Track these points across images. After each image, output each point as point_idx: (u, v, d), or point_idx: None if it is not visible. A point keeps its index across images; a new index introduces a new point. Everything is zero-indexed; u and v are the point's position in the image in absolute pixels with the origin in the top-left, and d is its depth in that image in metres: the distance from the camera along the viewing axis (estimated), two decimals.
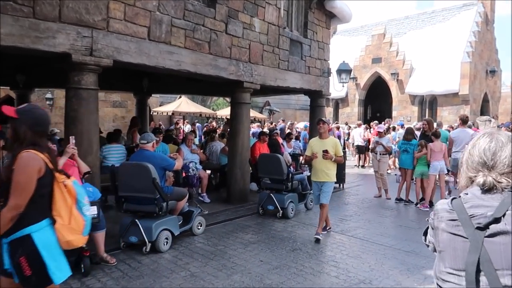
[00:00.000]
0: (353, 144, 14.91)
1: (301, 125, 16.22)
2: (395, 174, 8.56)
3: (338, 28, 32.35)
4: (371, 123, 15.58)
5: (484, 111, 23.63)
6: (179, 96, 18.03)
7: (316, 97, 10.18)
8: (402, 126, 13.50)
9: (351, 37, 30.02)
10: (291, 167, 7.56)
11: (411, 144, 7.94)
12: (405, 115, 24.67)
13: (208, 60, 6.70)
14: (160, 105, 19.16)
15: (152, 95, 18.04)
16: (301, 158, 8.11)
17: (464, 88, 21.78)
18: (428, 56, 23.93)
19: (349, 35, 30.55)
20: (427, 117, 23.90)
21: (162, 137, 7.62)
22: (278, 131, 10.49)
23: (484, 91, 23.71)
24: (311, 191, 7.47)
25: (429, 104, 24.13)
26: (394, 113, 25.52)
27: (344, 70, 10.25)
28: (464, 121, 9.39)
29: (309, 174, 8.53)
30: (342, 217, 6.90)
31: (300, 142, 11.78)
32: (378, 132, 8.80)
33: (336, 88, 10.48)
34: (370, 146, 10.46)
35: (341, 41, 29.15)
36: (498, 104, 26.08)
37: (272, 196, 6.76)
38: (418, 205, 7.81)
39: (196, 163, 7.76)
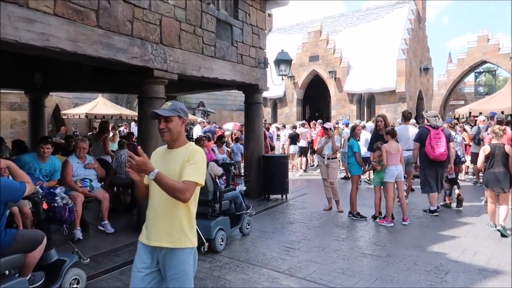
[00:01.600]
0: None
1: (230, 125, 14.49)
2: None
3: (274, 26, 31.33)
4: (314, 122, 14.28)
5: (419, 108, 23.66)
6: (100, 95, 15.45)
7: (252, 92, 8.54)
8: (347, 125, 12.40)
9: (287, 35, 29.05)
10: (222, 180, 5.82)
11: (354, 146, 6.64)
12: (344, 114, 24.03)
13: (96, 37, 4.73)
14: (74, 107, 16.46)
15: (54, 94, 15.43)
16: (233, 168, 6.37)
17: (401, 85, 21.52)
18: (364, 54, 23.49)
19: (285, 33, 29.58)
20: (365, 115, 23.51)
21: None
22: (206, 136, 8.68)
23: (418, 88, 23.77)
24: (248, 211, 5.80)
25: (367, 102, 23.72)
26: (332, 112, 24.85)
27: (283, 61, 8.71)
28: (406, 117, 8.42)
29: (244, 188, 6.88)
30: (289, 245, 5.26)
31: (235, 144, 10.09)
32: (325, 129, 7.34)
33: (274, 82, 8.91)
34: (315, 147, 9.03)
35: (277, 39, 27.99)
36: (431, 102, 26.43)
37: None
38: (377, 220, 6.44)
39: (91, 181, 5.73)
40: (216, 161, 7.27)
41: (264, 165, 8.43)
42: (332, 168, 7.24)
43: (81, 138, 7.27)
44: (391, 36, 22.95)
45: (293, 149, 12.78)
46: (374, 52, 23.01)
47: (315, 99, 27.54)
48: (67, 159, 5.61)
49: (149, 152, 5.61)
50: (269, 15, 28.86)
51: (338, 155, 9.04)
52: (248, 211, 5.84)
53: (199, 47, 6.55)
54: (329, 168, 7.24)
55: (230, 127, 13.90)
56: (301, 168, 13.07)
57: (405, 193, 7.24)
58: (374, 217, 6.53)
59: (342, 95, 24.05)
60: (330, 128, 7.37)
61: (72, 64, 9.14)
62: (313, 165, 13.89)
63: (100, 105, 14.71)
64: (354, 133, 7.10)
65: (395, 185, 6.45)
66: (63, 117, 14.82)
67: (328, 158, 7.22)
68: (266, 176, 8.36)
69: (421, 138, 6.80)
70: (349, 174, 11.36)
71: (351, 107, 23.91)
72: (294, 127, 13.53)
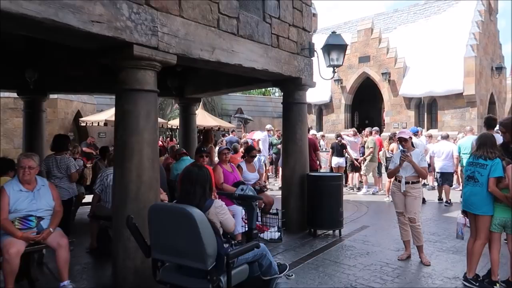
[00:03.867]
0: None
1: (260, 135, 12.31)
2: (460, 217, 4.47)
3: (319, 26, 28.97)
4: (369, 130, 11.67)
5: (490, 114, 20.23)
6: None
7: (293, 89, 6.32)
8: (416, 133, 9.83)
9: None
10: (242, 223, 3.61)
11: (487, 164, 4.00)
12: (399, 121, 21.13)
13: None
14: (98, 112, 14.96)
15: (76, 99, 13.97)
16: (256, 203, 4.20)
17: (470, 87, 18.35)
18: (423, 53, 20.52)
19: None
20: (425, 123, 20.45)
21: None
22: (227, 147, 6.37)
23: (490, 91, 20.37)
24: (283, 274, 3.54)
25: (427, 107, 20.64)
26: (386, 119, 21.97)
27: (335, 47, 6.39)
28: (489, 124, 6.01)
29: (277, 236, 4.68)
30: None
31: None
32: (401, 141, 4.92)
33: (323, 76, 6.60)
34: (386, 165, 6.65)
35: (322, 40, 25.50)
36: (504, 107, 22.82)
37: None
38: None
39: (39, 219, 3.73)
40: (240, 183, 5.14)
41: (310, 188, 6.14)
42: (412, 198, 4.80)
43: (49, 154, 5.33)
44: (456, 31, 19.84)
45: (335, 161, 10.40)
46: (435, 50, 19.99)
47: (365, 104, 24.77)
48: (2, 186, 3.64)
49: (130, 170, 3.53)
50: (314, 14, 26.58)
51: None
52: (284, 274, 3.56)
53: (212, 17, 4.43)
54: (408, 198, 4.81)
55: (261, 137, 11.67)
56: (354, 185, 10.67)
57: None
58: (492, 283, 4.01)
59: (398, 100, 21.15)
60: (409, 138, 4.95)
61: (72, 60, 7.46)
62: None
63: None
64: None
65: None
66: (81, 124, 13.31)
67: (407, 183, 4.79)
68: (313, 204, 6.06)
69: None
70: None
71: (408, 113, 20.93)
72: (339, 135, 11.13)
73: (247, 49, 4.97)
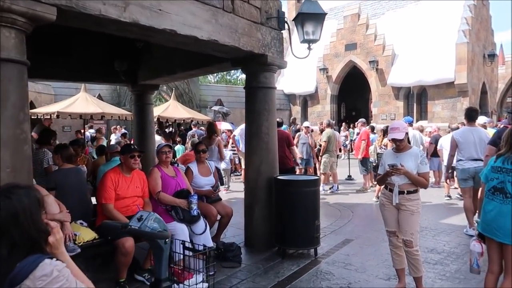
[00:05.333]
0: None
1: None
2: (475, 244, 3.17)
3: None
4: (325, 122, 10.15)
5: (482, 104, 19.23)
6: (83, 88, 12.21)
7: (256, 69, 4.99)
8: (410, 123, 8.57)
9: None
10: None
11: None
12: (388, 112, 20.03)
13: None
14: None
15: (32, 89, 12.37)
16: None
17: (461, 76, 17.25)
18: (413, 40, 19.36)
19: None
20: (415, 113, 19.32)
21: None
22: (167, 144, 4.81)
23: (482, 80, 19.31)
24: None
25: (417, 97, 19.55)
26: (374, 111, 20.84)
27: (311, 16, 5.03)
28: (470, 116, 5.87)
29: (205, 286, 3.36)
30: None
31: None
32: (394, 141, 3.60)
33: (295, 54, 5.26)
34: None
35: None
36: (495, 97, 21.86)
37: None
38: None
39: None
40: (183, 192, 3.87)
41: (279, 195, 4.84)
42: (408, 214, 3.51)
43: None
44: (447, 16, 18.70)
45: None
46: (425, 37, 18.84)
47: (352, 95, 23.64)
48: None
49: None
50: (298, 0, 25.16)
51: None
52: None
53: None
54: (403, 213, 3.53)
55: (238, 132, 10.25)
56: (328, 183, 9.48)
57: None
58: None
59: (386, 90, 20.00)
60: (405, 135, 3.65)
61: None
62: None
63: (81, 101, 11.55)
64: None
65: None
66: (32, 117, 11.76)
67: (402, 192, 3.52)
68: (282, 215, 4.77)
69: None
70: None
71: (396, 103, 19.81)
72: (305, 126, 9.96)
73: (184, 10, 3.61)
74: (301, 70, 22.92)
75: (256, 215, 5.01)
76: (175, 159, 7.35)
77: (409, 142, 3.74)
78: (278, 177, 4.94)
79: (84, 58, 6.74)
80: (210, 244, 4.24)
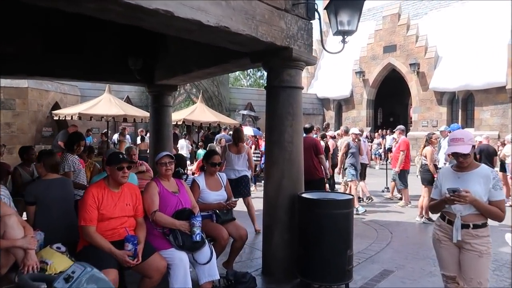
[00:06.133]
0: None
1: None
2: None
3: None
4: (343, 128, 9.07)
5: None
6: (107, 89, 11.84)
7: (279, 65, 4.18)
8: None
9: None
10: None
11: None
12: (429, 119, 18.66)
13: None
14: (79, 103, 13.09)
15: (53, 89, 12.12)
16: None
17: None
18: (458, 41, 17.94)
19: None
20: (460, 121, 17.82)
21: None
22: (168, 154, 3.96)
23: None
24: None
25: (462, 103, 18.05)
26: (414, 117, 19.52)
27: (346, 3, 4.20)
28: None
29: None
30: None
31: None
32: (457, 155, 2.66)
33: (328, 48, 4.42)
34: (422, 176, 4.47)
35: None
36: None
37: None
38: None
39: None
40: (186, 212, 3.16)
41: (303, 217, 4.01)
42: (475, 255, 2.59)
43: None
44: (497, 16, 17.14)
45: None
46: (472, 38, 17.39)
47: (389, 100, 22.36)
48: None
49: None
50: None
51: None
52: None
53: None
54: (467, 254, 2.61)
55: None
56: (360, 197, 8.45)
57: None
58: None
59: (428, 94, 18.65)
60: (472, 149, 2.73)
61: None
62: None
63: (104, 103, 11.17)
64: None
65: None
66: (55, 118, 11.50)
67: (466, 226, 2.60)
68: (307, 241, 3.92)
69: None
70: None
71: (439, 109, 18.40)
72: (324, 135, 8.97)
73: None
74: (336, 73, 21.95)
75: (275, 240, 4.20)
76: (186, 169, 6.65)
77: (475, 159, 2.81)
78: (303, 195, 4.09)
79: (97, 56, 6.23)
80: (217, 276, 3.47)
